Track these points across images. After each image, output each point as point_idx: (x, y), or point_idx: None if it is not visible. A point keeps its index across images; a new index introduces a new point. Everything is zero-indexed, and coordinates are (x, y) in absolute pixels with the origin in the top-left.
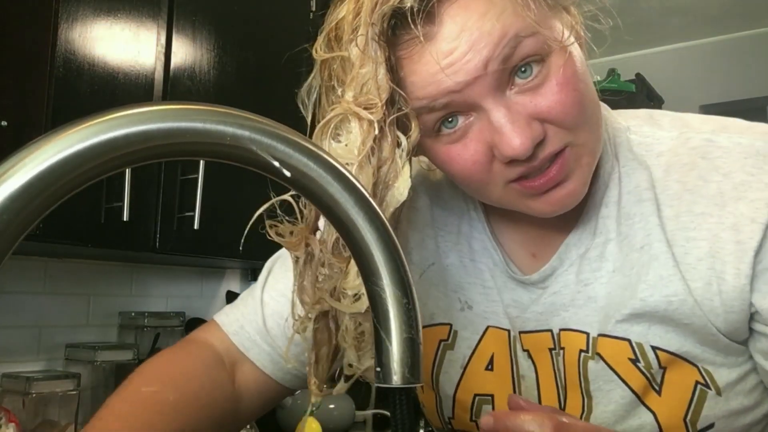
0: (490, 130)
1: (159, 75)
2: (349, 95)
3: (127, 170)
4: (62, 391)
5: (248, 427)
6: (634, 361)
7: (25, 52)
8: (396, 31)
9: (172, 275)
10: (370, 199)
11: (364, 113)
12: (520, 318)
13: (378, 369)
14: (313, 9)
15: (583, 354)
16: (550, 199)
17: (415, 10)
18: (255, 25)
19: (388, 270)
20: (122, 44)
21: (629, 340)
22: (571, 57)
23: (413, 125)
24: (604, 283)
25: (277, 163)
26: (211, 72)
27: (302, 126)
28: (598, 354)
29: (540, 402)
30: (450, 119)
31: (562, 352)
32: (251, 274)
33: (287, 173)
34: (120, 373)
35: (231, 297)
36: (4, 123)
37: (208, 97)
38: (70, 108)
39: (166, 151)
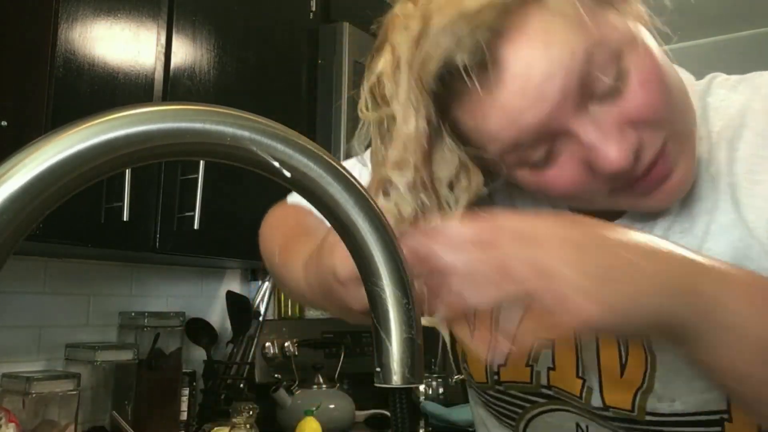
0: (583, 149)
1: (159, 75)
2: (390, 155)
3: (127, 170)
4: (62, 391)
5: (248, 426)
6: None
7: (25, 52)
8: (453, 83)
9: (172, 275)
10: (371, 199)
11: (396, 176)
12: None
13: (378, 369)
14: (313, 9)
15: None
16: (660, 195)
17: (467, 64)
18: (255, 25)
19: (388, 270)
20: (122, 44)
21: None
22: (646, 48)
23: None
24: (674, 243)
25: (277, 164)
26: (211, 72)
27: (301, 126)
28: None
29: (599, 359)
30: (537, 149)
31: None
32: (251, 274)
33: (287, 174)
34: (120, 373)
35: (231, 297)
36: (4, 123)
37: (208, 97)
38: (70, 108)
39: (166, 152)
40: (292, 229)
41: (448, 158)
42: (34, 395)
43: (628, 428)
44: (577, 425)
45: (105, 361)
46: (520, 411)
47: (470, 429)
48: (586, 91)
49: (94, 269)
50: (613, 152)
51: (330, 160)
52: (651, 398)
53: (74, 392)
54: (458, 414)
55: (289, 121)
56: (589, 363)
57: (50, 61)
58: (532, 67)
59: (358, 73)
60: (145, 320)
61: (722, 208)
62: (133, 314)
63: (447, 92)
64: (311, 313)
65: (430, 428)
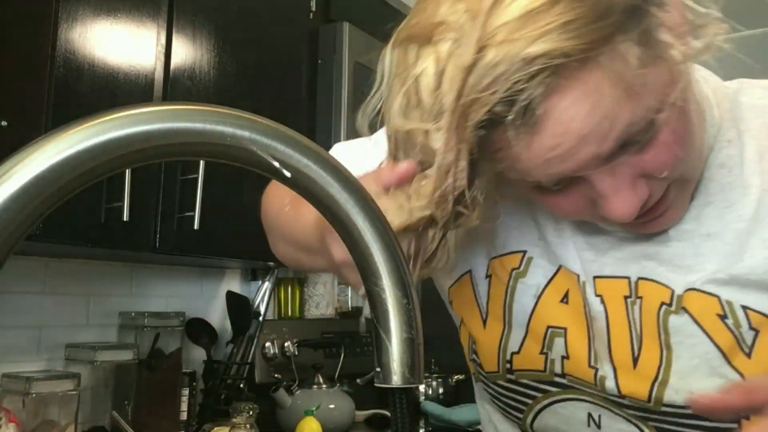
0: (594, 191)
1: (159, 75)
2: (427, 188)
3: (127, 170)
4: (62, 391)
5: (248, 426)
6: (722, 317)
7: (25, 52)
8: (492, 124)
9: (172, 275)
10: (370, 199)
11: (432, 210)
12: (597, 262)
13: (378, 369)
14: (313, 9)
15: (664, 307)
16: (651, 226)
17: (513, 119)
18: (255, 25)
19: (388, 270)
20: (122, 44)
21: (718, 297)
22: (684, 102)
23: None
24: (696, 244)
25: (277, 164)
26: (211, 72)
27: (301, 126)
28: (684, 308)
29: (610, 350)
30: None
31: (639, 301)
32: (251, 274)
33: (287, 173)
34: (120, 373)
35: (231, 297)
36: (4, 123)
37: (208, 97)
38: (70, 108)
39: (166, 152)
40: None
41: (474, 196)
42: (34, 395)
43: (643, 417)
44: (589, 415)
45: (105, 361)
46: (530, 402)
47: (470, 429)
48: (616, 152)
49: (94, 269)
50: (621, 206)
51: (330, 160)
52: (668, 390)
53: (74, 392)
54: (458, 414)
55: (289, 121)
56: (601, 353)
57: (50, 61)
58: (570, 127)
59: (358, 73)
60: (145, 320)
61: (766, 222)
62: (133, 314)
63: (484, 127)
64: (311, 313)
65: (430, 428)
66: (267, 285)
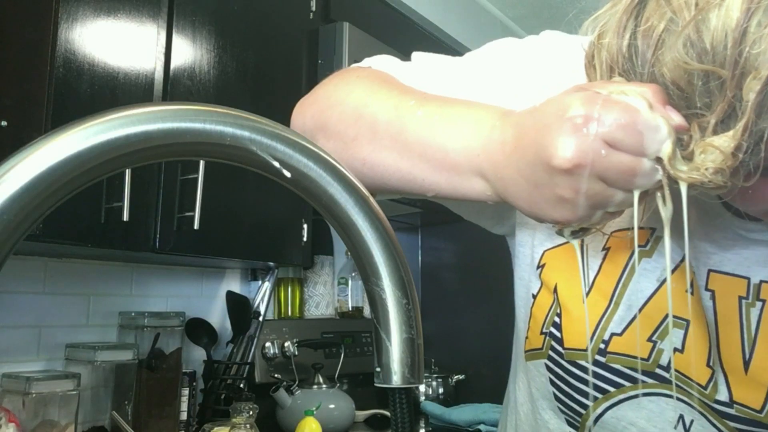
0: None
1: (159, 75)
2: (726, 144)
3: (127, 170)
4: (62, 391)
5: (248, 426)
6: None
7: (25, 52)
8: None
9: (172, 275)
10: (371, 199)
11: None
12: (718, 255)
13: (378, 369)
14: (313, 9)
15: None
16: None
17: None
18: (255, 25)
19: (388, 270)
20: (122, 44)
21: None
22: None
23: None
24: None
25: (277, 164)
26: (211, 72)
27: None
28: None
29: (719, 351)
30: None
31: (759, 305)
32: (251, 274)
33: (287, 174)
34: (120, 373)
35: (231, 297)
36: (4, 123)
37: (208, 97)
38: (70, 108)
39: (166, 152)
40: (409, 86)
41: (749, 162)
42: (34, 395)
43: None
44: (681, 417)
45: (105, 361)
46: (611, 390)
47: (470, 429)
48: None
49: (94, 269)
50: None
51: (330, 160)
52: None
53: (74, 392)
54: (458, 414)
55: (290, 122)
56: (714, 354)
57: (50, 61)
58: None
59: None
60: (145, 320)
61: None
62: (133, 314)
63: None
64: (311, 313)
65: (430, 428)
66: (267, 285)
